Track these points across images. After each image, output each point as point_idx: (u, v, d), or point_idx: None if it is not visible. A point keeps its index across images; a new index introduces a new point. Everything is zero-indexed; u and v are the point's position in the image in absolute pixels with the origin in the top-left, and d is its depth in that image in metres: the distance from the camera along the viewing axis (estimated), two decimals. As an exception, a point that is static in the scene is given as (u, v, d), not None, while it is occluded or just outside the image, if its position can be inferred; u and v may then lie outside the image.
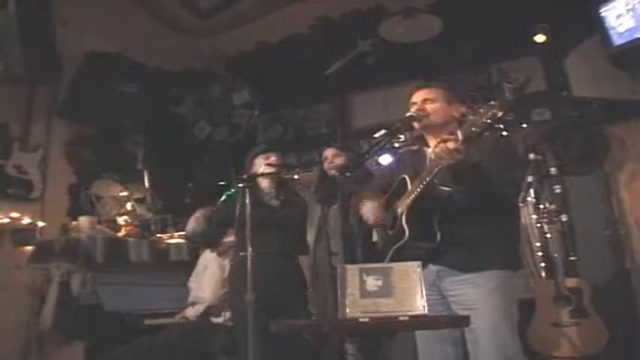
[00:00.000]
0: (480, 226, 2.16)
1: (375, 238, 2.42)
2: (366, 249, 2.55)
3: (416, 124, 2.34)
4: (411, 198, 2.19)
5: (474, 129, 1.89)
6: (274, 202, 3.42)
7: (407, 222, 2.19)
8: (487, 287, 2.12)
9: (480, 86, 4.96)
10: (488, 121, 1.86)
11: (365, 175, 3.12)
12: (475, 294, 2.12)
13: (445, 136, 1.99)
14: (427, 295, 2.14)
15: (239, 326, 3.04)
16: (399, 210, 2.25)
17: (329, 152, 3.48)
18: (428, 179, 2.10)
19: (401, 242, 2.19)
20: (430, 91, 2.38)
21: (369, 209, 2.39)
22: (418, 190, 2.15)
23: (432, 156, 2.03)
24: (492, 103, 1.88)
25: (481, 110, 1.89)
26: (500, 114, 1.85)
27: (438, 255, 2.18)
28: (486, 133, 1.92)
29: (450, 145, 1.92)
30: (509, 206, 2.32)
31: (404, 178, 2.31)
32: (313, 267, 3.38)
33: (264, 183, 3.46)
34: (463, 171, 2.00)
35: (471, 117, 1.92)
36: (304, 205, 3.55)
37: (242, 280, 2.94)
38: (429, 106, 2.33)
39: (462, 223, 2.16)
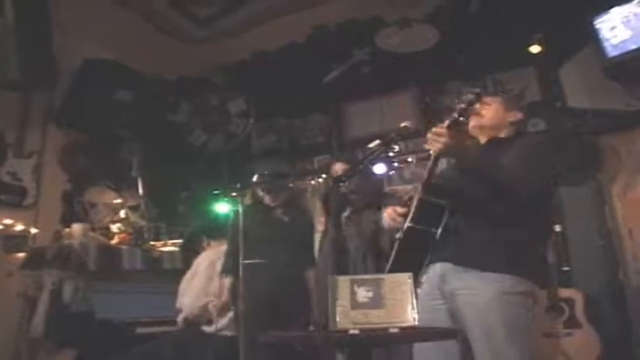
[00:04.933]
0: (496, 227, 2.10)
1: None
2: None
3: (472, 122, 2.33)
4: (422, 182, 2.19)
5: (454, 115, 2.03)
6: (284, 217, 3.43)
7: (415, 207, 2.15)
8: (497, 291, 2.04)
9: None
10: (463, 105, 2.03)
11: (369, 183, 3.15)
12: (481, 297, 2.05)
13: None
14: (429, 301, 2.14)
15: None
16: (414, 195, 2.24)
17: (339, 167, 3.49)
18: (429, 166, 2.12)
19: (401, 233, 2.15)
20: (487, 98, 2.38)
21: (387, 215, 2.37)
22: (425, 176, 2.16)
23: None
24: (471, 89, 2.06)
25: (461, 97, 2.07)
26: (472, 98, 2.04)
27: (447, 251, 2.12)
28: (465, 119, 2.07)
29: (435, 129, 2.00)
30: (534, 212, 2.19)
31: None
32: (317, 277, 3.40)
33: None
34: (458, 158, 2.09)
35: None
36: (312, 222, 3.60)
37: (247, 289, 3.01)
38: (484, 110, 2.33)
39: (476, 221, 2.12)
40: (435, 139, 1.99)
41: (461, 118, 2.02)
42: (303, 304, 3.36)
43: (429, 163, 2.12)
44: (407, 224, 2.14)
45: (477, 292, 2.06)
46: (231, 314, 3.40)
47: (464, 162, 2.09)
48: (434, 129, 2.01)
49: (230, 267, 3.37)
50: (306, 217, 3.63)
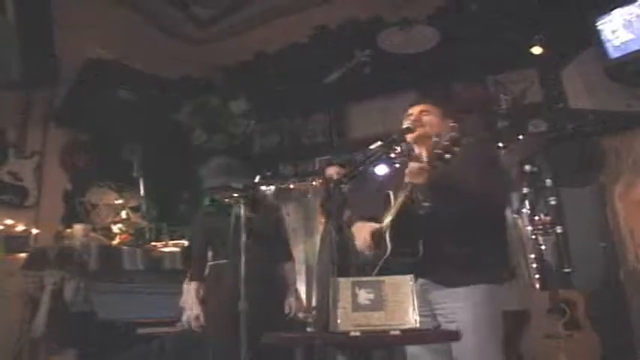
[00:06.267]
0: (465, 241, 2.16)
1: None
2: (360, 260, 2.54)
3: (408, 137, 2.35)
4: (392, 214, 2.20)
5: (436, 150, 1.95)
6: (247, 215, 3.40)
7: (390, 238, 2.18)
8: (471, 302, 2.13)
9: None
10: (447, 143, 1.92)
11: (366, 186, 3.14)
12: (459, 308, 2.13)
13: (413, 157, 2.08)
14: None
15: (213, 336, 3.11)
16: (383, 226, 2.25)
17: (332, 170, 3.48)
18: (400, 198, 2.14)
19: (383, 259, 2.18)
20: (426, 105, 2.43)
21: (359, 233, 2.40)
22: (397, 206, 2.17)
23: (406, 172, 2.06)
24: (452, 125, 1.92)
25: (442, 133, 1.97)
26: (457, 137, 1.92)
27: (423, 270, 2.17)
28: (456, 149, 1.94)
29: (416, 165, 1.99)
30: (495, 219, 2.30)
31: (388, 194, 2.32)
32: (317, 278, 3.39)
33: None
34: (435, 190, 2.05)
35: (434, 139, 1.98)
36: (280, 216, 3.59)
37: (213, 290, 3.14)
38: (425, 118, 2.37)
39: (446, 239, 2.16)
40: (417, 176, 2.00)
41: (446, 155, 1.95)
42: (279, 298, 3.34)
43: (402, 195, 2.13)
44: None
45: (460, 301, 2.14)
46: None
47: (439, 192, 2.08)
48: (415, 165, 2.00)
49: (197, 272, 3.35)
50: (270, 211, 3.61)
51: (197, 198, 5.39)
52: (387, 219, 2.23)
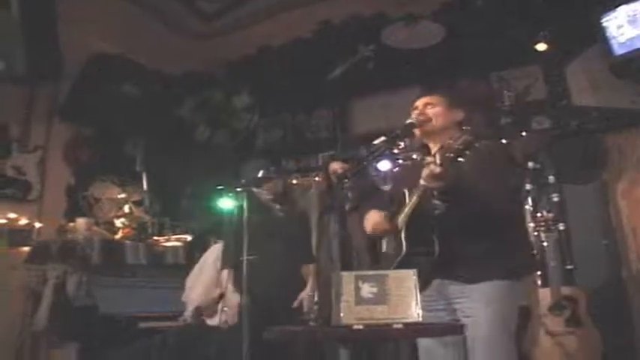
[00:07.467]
0: (479, 238, 2.15)
1: (384, 248, 2.40)
2: (373, 258, 2.54)
3: (417, 131, 2.34)
4: (406, 213, 2.20)
5: (447, 154, 1.92)
6: (279, 213, 3.43)
7: (405, 237, 2.18)
8: (486, 298, 2.12)
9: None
10: (460, 146, 1.90)
11: (367, 185, 3.14)
12: (474, 304, 2.13)
13: (430, 159, 2.04)
14: (432, 303, 2.17)
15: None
16: (399, 225, 2.25)
17: (336, 165, 3.48)
18: (414, 199, 2.13)
19: (399, 258, 2.17)
20: (431, 97, 2.41)
21: (370, 218, 2.39)
22: (411, 206, 2.17)
23: (422, 176, 2.03)
24: (465, 128, 1.91)
25: (456, 135, 1.95)
26: (471, 139, 1.90)
27: (439, 268, 2.17)
28: (467, 152, 1.92)
29: (433, 168, 1.95)
30: (510, 215, 2.29)
31: (403, 193, 2.30)
32: (316, 272, 3.41)
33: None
34: (452, 192, 2.03)
35: (448, 141, 1.95)
36: (305, 214, 3.60)
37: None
38: (430, 111, 2.35)
39: (460, 236, 2.15)
40: (432, 181, 1.97)
41: (459, 159, 1.91)
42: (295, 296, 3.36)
43: (416, 195, 2.12)
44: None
45: (476, 298, 2.14)
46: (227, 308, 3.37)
47: (456, 193, 2.06)
48: (433, 168, 1.94)
49: (229, 261, 3.37)
50: (299, 211, 3.63)
51: (200, 193, 5.41)
52: (401, 218, 2.22)
